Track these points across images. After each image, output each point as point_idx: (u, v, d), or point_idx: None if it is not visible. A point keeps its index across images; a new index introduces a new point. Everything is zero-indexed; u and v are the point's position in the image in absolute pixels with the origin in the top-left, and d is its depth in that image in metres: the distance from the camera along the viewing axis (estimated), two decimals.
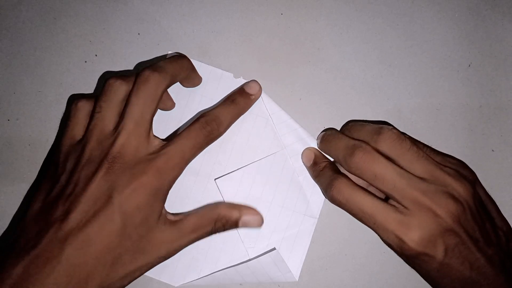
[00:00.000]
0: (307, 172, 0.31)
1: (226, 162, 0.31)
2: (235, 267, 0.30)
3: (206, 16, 0.33)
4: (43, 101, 0.32)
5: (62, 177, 0.26)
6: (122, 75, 0.27)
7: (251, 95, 0.31)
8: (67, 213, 0.24)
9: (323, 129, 0.32)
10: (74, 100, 0.28)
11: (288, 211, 0.31)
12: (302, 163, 0.31)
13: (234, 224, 0.29)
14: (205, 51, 0.33)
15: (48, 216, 0.24)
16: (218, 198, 0.31)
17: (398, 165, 0.27)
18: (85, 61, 0.33)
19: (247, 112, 0.31)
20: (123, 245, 0.25)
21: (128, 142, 0.25)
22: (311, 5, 0.34)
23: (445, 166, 0.27)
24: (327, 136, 0.30)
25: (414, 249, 0.26)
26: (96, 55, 0.33)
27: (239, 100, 0.30)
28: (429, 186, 0.26)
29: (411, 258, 0.27)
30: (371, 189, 0.28)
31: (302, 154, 0.31)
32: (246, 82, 0.31)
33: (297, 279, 0.31)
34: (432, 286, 0.28)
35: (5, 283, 0.23)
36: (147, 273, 0.30)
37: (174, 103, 0.32)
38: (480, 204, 0.28)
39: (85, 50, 0.33)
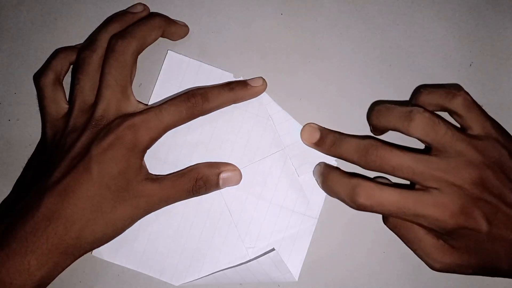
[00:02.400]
0: (307, 172, 0.31)
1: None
2: (235, 267, 0.30)
3: (206, 16, 0.33)
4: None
5: (50, 147, 0.28)
6: (87, 45, 0.30)
7: (252, 86, 0.31)
8: (51, 172, 0.26)
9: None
10: (36, 79, 0.30)
11: (288, 211, 0.31)
12: (302, 163, 0.31)
13: (215, 184, 0.29)
14: (205, 51, 0.33)
15: (36, 180, 0.27)
16: (218, 198, 0.31)
17: (435, 150, 0.27)
18: None
19: (247, 112, 0.31)
20: (101, 193, 0.26)
21: (108, 107, 0.28)
22: (311, 5, 0.34)
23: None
24: (335, 140, 0.30)
25: (454, 225, 0.26)
26: None
27: (236, 87, 0.30)
28: (448, 161, 0.26)
29: (460, 238, 0.26)
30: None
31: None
32: (252, 78, 0.32)
33: (296, 279, 0.30)
34: (499, 273, 0.27)
35: None
36: (147, 272, 0.30)
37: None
38: (504, 161, 0.27)
39: None
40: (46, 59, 0.33)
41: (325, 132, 0.31)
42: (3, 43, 0.33)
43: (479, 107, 0.28)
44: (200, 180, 0.29)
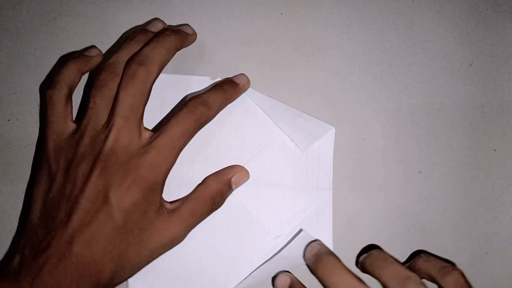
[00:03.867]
0: (309, 145, 0.31)
1: (228, 164, 0.31)
2: (270, 260, 0.30)
3: (206, 16, 0.33)
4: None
5: (58, 175, 0.26)
6: (108, 67, 0.28)
7: (239, 84, 0.31)
8: (69, 215, 0.25)
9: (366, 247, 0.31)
10: (47, 91, 0.28)
11: (301, 191, 0.31)
12: (301, 139, 0.31)
13: (229, 192, 0.29)
14: (205, 51, 0.33)
15: (52, 218, 0.25)
16: (231, 200, 0.31)
17: None
18: None
19: (236, 109, 0.31)
20: (126, 240, 0.25)
21: (119, 138, 0.26)
22: (311, 5, 0.34)
23: None
24: (376, 256, 0.29)
25: None
26: None
27: (227, 87, 0.30)
28: None
29: None
30: None
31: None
32: (235, 75, 0.31)
33: (332, 249, 0.30)
34: None
35: (23, 285, 0.24)
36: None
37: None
38: None
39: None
40: (45, 59, 0.33)
41: (374, 253, 0.29)
42: (2, 43, 0.33)
43: None
44: (216, 197, 0.28)
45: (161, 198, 0.27)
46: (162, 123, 0.31)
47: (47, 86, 0.28)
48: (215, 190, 0.29)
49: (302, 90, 0.33)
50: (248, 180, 0.31)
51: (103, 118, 0.27)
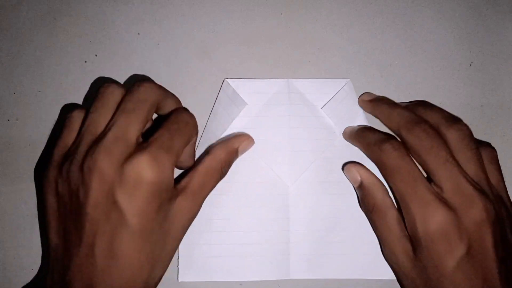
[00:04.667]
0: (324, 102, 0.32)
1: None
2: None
3: (206, 16, 0.33)
4: (43, 101, 0.32)
5: (60, 187, 0.25)
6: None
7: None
8: (80, 228, 0.23)
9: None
10: (68, 110, 0.27)
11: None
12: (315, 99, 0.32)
13: (236, 158, 0.30)
14: (205, 51, 0.33)
15: (66, 234, 0.24)
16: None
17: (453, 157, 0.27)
18: (85, 61, 0.33)
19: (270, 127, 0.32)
20: (149, 240, 0.24)
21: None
22: (311, 5, 0.34)
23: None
24: (383, 100, 0.31)
25: (436, 232, 0.25)
26: (96, 55, 0.33)
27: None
28: (475, 184, 0.26)
29: (428, 246, 0.25)
30: None
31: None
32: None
33: None
34: None
35: None
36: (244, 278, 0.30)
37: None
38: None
39: (85, 50, 0.33)
40: (45, 59, 0.33)
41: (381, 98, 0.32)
42: (2, 43, 0.33)
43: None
44: (224, 167, 0.28)
45: (172, 183, 0.25)
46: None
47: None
48: (223, 161, 0.28)
49: None
50: (252, 145, 0.31)
51: (102, 125, 0.25)
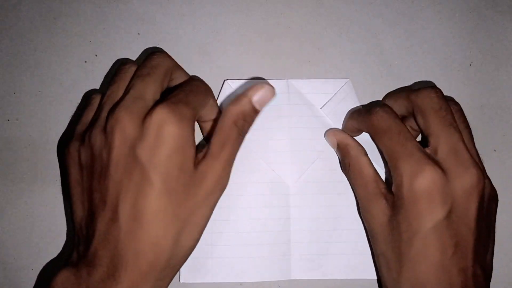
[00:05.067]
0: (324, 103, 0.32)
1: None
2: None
3: (206, 16, 0.33)
4: (43, 101, 0.32)
5: (82, 155, 0.25)
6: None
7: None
8: (104, 192, 0.24)
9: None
10: (90, 94, 0.28)
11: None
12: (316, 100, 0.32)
13: (253, 112, 0.26)
14: (205, 51, 0.33)
15: (91, 202, 0.24)
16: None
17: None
18: (85, 61, 0.33)
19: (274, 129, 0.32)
20: (173, 201, 0.23)
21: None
22: (311, 5, 0.34)
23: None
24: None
25: (421, 190, 0.24)
26: (96, 55, 0.33)
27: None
28: (472, 154, 0.26)
29: (409, 203, 0.25)
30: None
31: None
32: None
33: None
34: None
35: (82, 274, 0.23)
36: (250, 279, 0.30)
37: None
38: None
39: (85, 50, 0.33)
40: (45, 59, 0.33)
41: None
42: (2, 43, 0.33)
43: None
44: (238, 120, 0.26)
45: (193, 139, 0.25)
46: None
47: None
48: (235, 113, 0.26)
49: None
50: (273, 94, 0.27)
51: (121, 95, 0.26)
